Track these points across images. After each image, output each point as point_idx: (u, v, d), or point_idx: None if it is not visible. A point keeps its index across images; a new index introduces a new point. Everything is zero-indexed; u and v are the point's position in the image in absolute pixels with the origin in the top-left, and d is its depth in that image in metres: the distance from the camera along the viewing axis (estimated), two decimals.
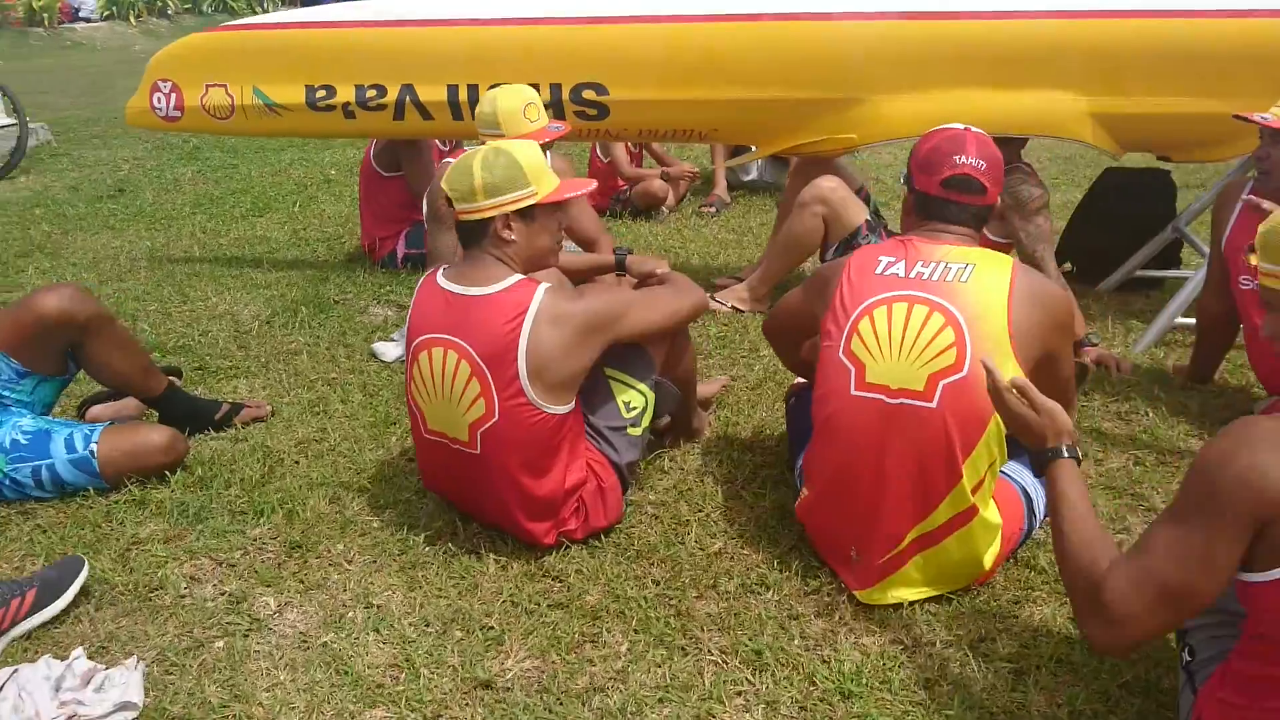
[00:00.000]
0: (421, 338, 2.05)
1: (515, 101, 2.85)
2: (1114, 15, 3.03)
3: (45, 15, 17.52)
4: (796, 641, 1.89)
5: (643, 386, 2.25)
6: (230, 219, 4.99)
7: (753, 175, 5.35)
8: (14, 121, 5.89)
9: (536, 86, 3.43)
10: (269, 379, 3.11)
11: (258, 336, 3.44)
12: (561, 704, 1.74)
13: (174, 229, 4.81)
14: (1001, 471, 2.13)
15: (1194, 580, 1.28)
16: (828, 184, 3.39)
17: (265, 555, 2.21)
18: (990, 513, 1.95)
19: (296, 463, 2.59)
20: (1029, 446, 1.63)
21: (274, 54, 3.68)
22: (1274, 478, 1.22)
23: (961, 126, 2.05)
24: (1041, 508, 2.15)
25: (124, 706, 1.70)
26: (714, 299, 3.61)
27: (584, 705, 1.74)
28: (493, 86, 3.45)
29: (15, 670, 1.72)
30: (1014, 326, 1.87)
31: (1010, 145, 3.33)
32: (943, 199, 2.00)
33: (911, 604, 1.98)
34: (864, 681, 1.78)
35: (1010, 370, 1.86)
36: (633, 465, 2.25)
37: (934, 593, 2.00)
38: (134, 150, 6.59)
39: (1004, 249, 3.40)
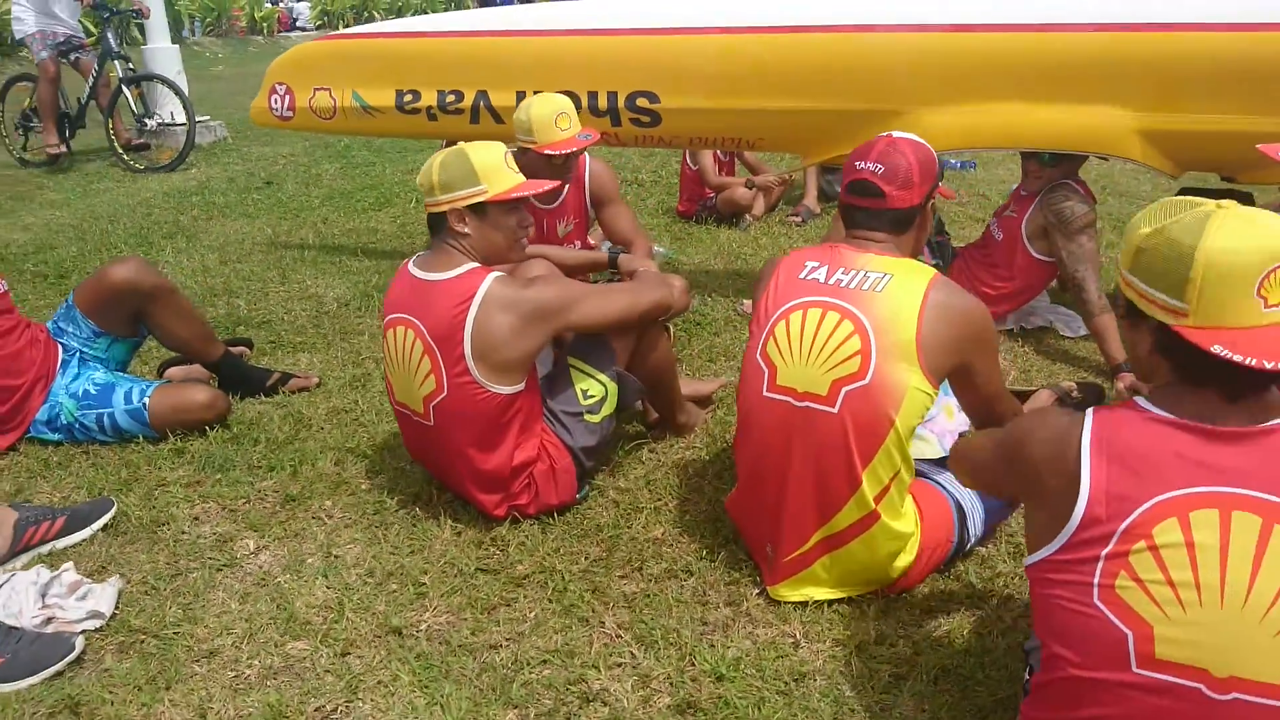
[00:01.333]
0: (390, 316, 2.27)
1: (548, 110, 3.03)
2: (1164, 28, 2.90)
3: (265, 25, 19.25)
4: (693, 626, 1.98)
5: (602, 377, 2.38)
6: (352, 212, 5.43)
7: None
8: (185, 121, 6.60)
9: (595, 94, 3.64)
10: (329, 355, 3.42)
11: (332, 316, 3.78)
12: (454, 654, 1.90)
13: (300, 218, 5.29)
14: (936, 482, 2.14)
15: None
16: None
17: (263, 505, 2.48)
18: (899, 521, 1.97)
19: (322, 429, 2.86)
20: None
21: (370, 61, 4.02)
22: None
23: (895, 134, 2.06)
24: (978, 522, 2.14)
25: (94, 615, 1.99)
26: (748, 306, 3.68)
27: (473, 658, 1.90)
28: (563, 93, 3.70)
29: (12, 575, 2.05)
30: (922, 338, 1.88)
31: (1065, 162, 3.25)
32: (848, 205, 2.03)
33: (819, 603, 2.03)
34: (741, 668, 1.85)
35: (916, 381, 1.88)
36: (590, 450, 2.38)
37: (843, 594, 2.04)
38: (292, 148, 7.23)
39: (1048, 268, 3.32)
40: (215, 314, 3.81)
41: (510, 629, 1.98)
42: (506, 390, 2.20)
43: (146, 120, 6.73)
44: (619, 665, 1.88)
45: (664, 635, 1.94)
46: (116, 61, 6.57)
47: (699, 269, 4.33)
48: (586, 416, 2.37)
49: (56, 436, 2.79)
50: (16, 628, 1.91)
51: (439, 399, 2.20)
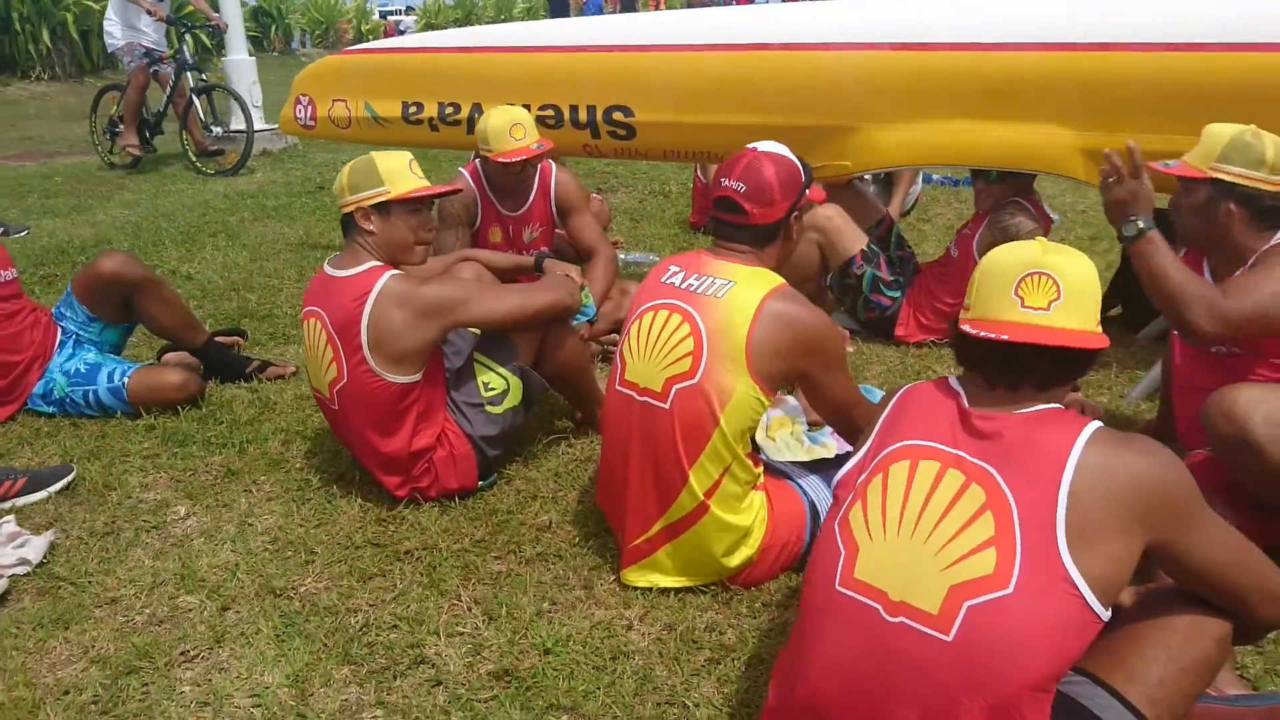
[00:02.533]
0: (305, 309, 2.49)
1: (503, 121, 3.23)
2: (1103, 48, 2.92)
3: (371, 36, 20.13)
4: (539, 605, 2.12)
5: (504, 371, 2.55)
6: None
7: None
8: (244, 129, 7.05)
9: (576, 108, 3.83)
10: None
11: None
12: (316, 615, 2.10)
13: (334, 221, 5.63)
14: (796, 483, 2.24)
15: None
16: (824, 213, 3.47)
17: (206, 477, 2.73)
18: (734, 515, 2.07)
19: (282, 413, 3.11)
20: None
21: (379, 74, 4.30)
22: None
23: (757, 146, 2.15)
24: None
25: (23, 561, 2.26)
26: None
27: (332, 619, 2.08)
28: (546, 106, 3.90)
29: None
30: (752, 344, 1.98)
31: (1012, 179, 3.28)
32: (716, 219, 2.14)
33: (665, 590, 2.15)
34: (569, 644, 1.99)
35: (744, 385, 1.99)
36: (491, 439, 2.54)
37: (688, 583, 2.15)
38: (353, 155, 7.63)
39: None
40: (228, 306, 4.13)
41: (375, 597, 2.16)
42: (402, 380, 2.39)
43: (213, 128, 7.22)
44: (458, 634, 2.04)
45: (509, 611, 2.10)
46: (189, 73, 7.08)
47: None
48: (488, 408, 2.54)
49: (50, 409, 3.11)
50: None
51: (340, 385, 2.40)
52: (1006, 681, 1.28)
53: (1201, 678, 1.43)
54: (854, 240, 3.48)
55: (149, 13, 6.98)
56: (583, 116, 3.80)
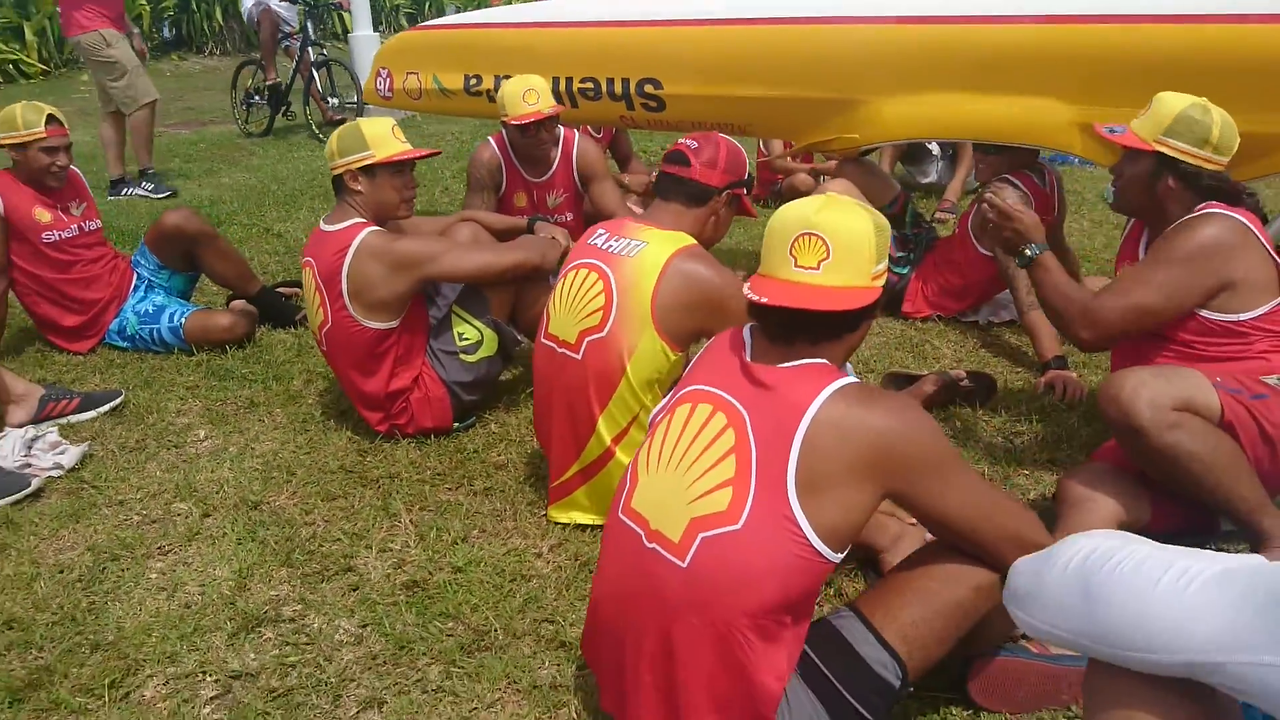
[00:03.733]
0: (303, 259, 2.78)
1: (517, 87, 3.45)
2: (1098, 20, 2.87)
3: None
4: (470, 531, 2.35)
5: (478, 324, 2.78)
6: (432, 186, 6.06)
7: (931, 178, 5.31)
8: (356, 102, 7.53)
9: (612, 80, 4.00)
10: None
11: None
12: (275, 525, 2.39)
13: (424, 189, 6.00)
14: None
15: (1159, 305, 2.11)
16: (833, 187, 3.52)
17: (231, 407, 3.08)
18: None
19: (313, 356, 3.44)
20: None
21: (446, 49, 4.58)
22: None
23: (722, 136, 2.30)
24: None
25: (57, 466, 2.66)
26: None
27: (288, 529, 2.37)
28: (586, 79, 4.09)
29: (9, 431, 2.76)
30: (656, 301, 2.12)
31: (1008, 154, 3.26)
32: (662, 172, 2.28)
33: (582, 526, 2.33)
34: (479, 565, 2.21)
35: (648, 338, 2.14)
36: (465, 385, 2.78)
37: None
38: (461, 126, 8.00)
39: (989, 263, 3.32)
40: (296, 262, 4.52)
41: (331, 514, 2.45)
42: (379, 326, 2.65)
43: (330, 100, 7.74)
44: (389, 550, 2.29)
45: (439, 534, 2.33)
46: (310, 48, 7.62)
47: (737, 250, 4.56)
48: (462, 356, 2.78)
49: (124, 344, 3.56)
50: None
51: (327, 328, 2.69)
52: (727, 607, 1.41)
53: (954, 621, 1.51)
54: None
55: None
56: (618, 89, 3.96)
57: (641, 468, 1.57)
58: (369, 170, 2.65)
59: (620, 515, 1.57)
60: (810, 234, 1.49)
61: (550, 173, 3.72)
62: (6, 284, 3.42)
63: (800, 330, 1.51)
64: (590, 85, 4.05)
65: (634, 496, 1.56)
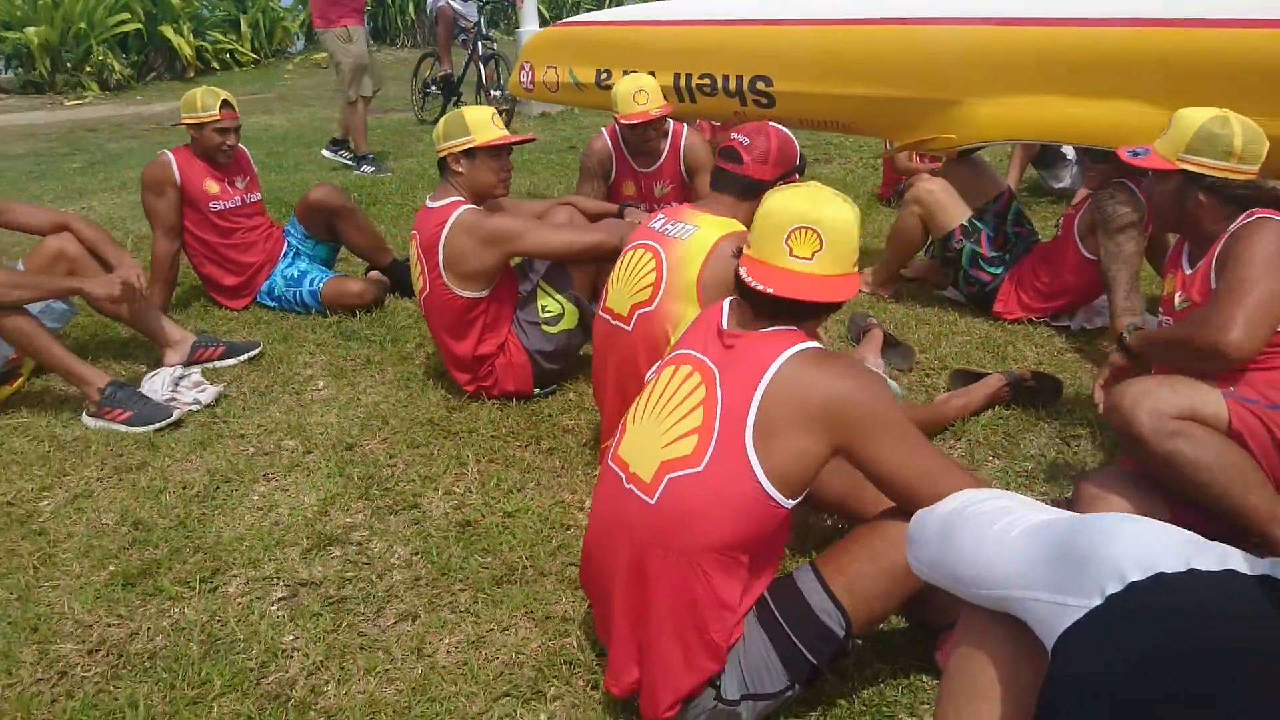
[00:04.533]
0: (411, 233, 3.09)
1: (628, 87, 3.66)
2: (1190, 25, 2.81)
3: None
4: (525, 481, 2.59)
5: (561, 298, 3.02)
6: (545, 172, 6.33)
7: (1064, 183, 5.17)
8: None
9: (728, 77, 4.16)
10: None
11: None
12: (360, 464, 2.71)
13: (566, 173, 6.32)
14: None
15: None
16: (926, 185, 3.57)
17: (350, 363, 3.45)
18: None
19: None
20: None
21: (580, 45, 4.85)
22: None
23: (771, 124, 2.45)
24: None
25: (196, 402, 3.08)
26: None
27: (373, 469, 2.68)
28: (704, 76, 4.27)
29: (160, 370, 3.20)
30: (702, 280, 2.29)
31: (1114, 161, 3.21)
32: (717, 165, 2.45)
33: None
34: (527, 513, 2.44)
35: (692, 314, 2.31)
36: (546, 354, 3.02)
37: None
38: (591, 120, 8.29)
39: (1095, 268, 3.29)
40: None
41: (410, 457, 2.74)
42: (469, 295, 2.93)
43: (493, 92, 8.20)
44: (452, 493, 2.56)
45: (498, 482, 2.58)
46: (481, 42, 8.11)
47: None
48: (544, 327, 3.02)
49: (273, 304, 4.01)
50: (146, 397, 3.03)
51: (425, 295, 2.99)
52: (687, 541, 1.57)
53: (897, 579, 1.61)
54: (954, 214, 3.55)
55: None
56: (732, 85, 4.12)
57: (630, 420, 1.75)
58: (469, 153, 2.92)
59: (610, 462, 1.76)
60: (807, 228, 1.64)
61: (658, 164, 3.92)
62: (179, 246, 3.92)
63: (786, 312, 1.65)
64: (707, 81, 4.22)
65: (621, 445, 1.74)
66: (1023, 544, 1.05)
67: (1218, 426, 1.99)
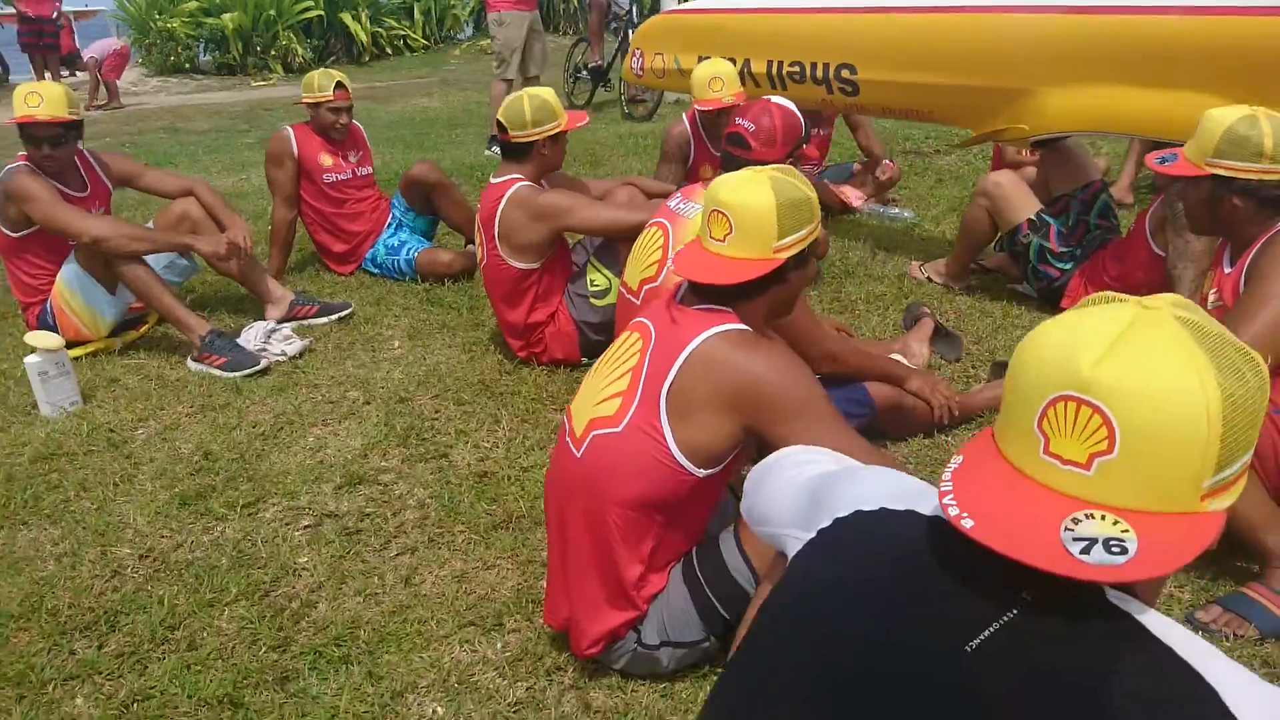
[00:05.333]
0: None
1: (705, 73, 3.77)
2: (1266, 12, 2.68)
3: None
4: (550, 443, 2.76)
5: (609, 273, 3.17)
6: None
7: None
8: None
9: (815, 65, 4.19)
10: None
11: None
12: (404, 416, 2.95)
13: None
14: None
15: None
16: (994, 178, 3.51)
17: (428, 325, 3.71)
18: None
19: None
20: None
21: (685, 31, 4.97)
22: None
23: (771, 99, 2.51)
24: None
25: (282, 353, 3.41)
26: (921, 268, 3.96)
27: (417, 420, 2.92)
28: (794, 64, 4.32)
29: (258, 322, 3.55)
30: None
31: None
32: (725, 152, 2.54)
33: None
34: (539, 467, 2.61)
35: None
36: (592, 325, 3.18)
37: None
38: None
39: (1161, 263, 3.18)
40: None
41: (453, 414, 2.96)
42: (522, 266, 3.12)
43: None
44: (480, 447, 2.76)
45: (524, 440, 2.77)
46: (631, 31, 8.32)
47: (933, 235, 4.57)
48: (592, 300, 3.18)
49: (375, 270, 4.34)
50: (241, 345, 3.38)
51: (484, 264, 3.21)
52: (603, 495, 1.70)
53: None
54: (1021, 208, 3.47)
55: None
56: (819, 73, 4.15)
57: (584, 383, 1.89)
58: (556, 137, 3.11)
59: (565, 419, 1.90)
60: (718, 211, 1.72)
61: None
62: (295, 214, 4.30)
63: (711, 292, 1.73)
64: (796, 69, 4.27)
65: (574, 402, 1.88)
66: (797, 489, 1.14)
67: None
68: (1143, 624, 0.79)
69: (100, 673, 1.93)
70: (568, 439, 1.81)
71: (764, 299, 1.75)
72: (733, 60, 4.62)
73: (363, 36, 13.86)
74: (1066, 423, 0.82)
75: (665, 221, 2.52)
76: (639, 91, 8.53)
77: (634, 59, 5.41)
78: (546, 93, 3.14)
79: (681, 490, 1.69)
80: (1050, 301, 3.52)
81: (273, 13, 13.08)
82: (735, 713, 0.98)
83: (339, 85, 4.15)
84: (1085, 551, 0.78)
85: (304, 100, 4.20)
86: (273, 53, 13.23)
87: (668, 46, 5.10)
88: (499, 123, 3.13)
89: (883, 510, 0.96)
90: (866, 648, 0.87)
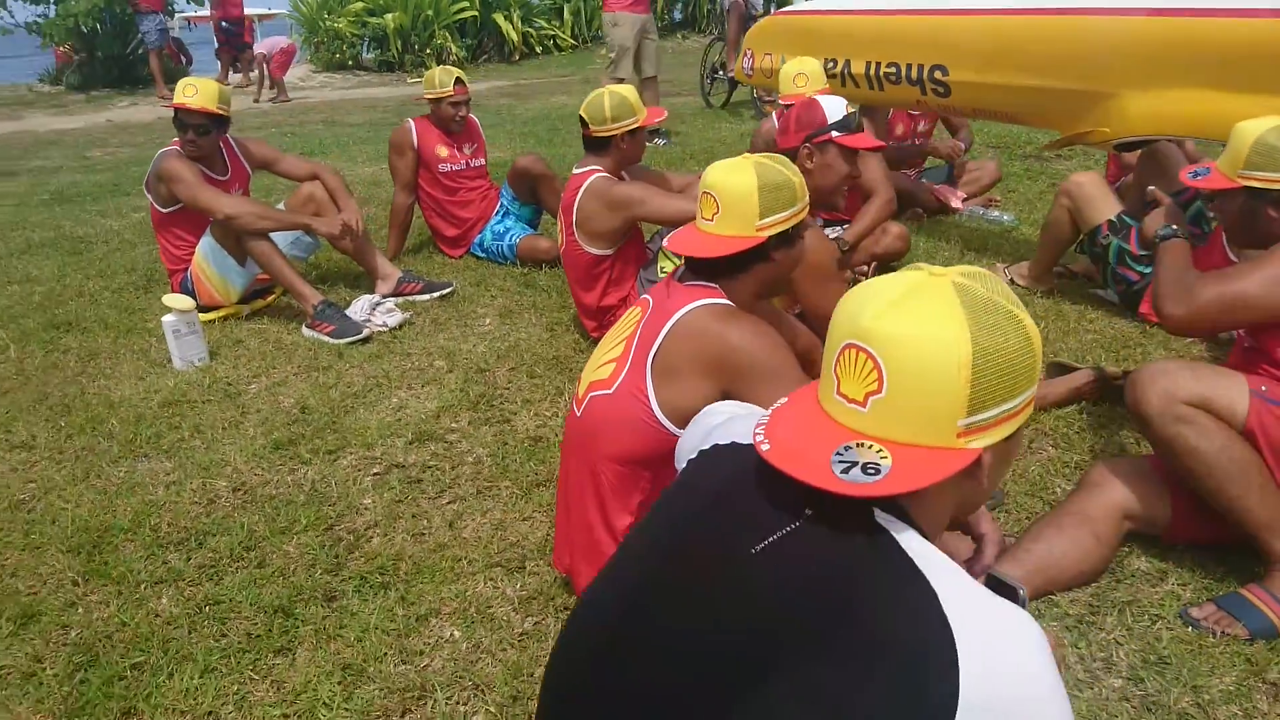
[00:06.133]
0: None
1: (790, 70, 3.89)
2: None
3: None
4: None
5: (678, 260, 3.34)
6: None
7: None
8: None
9: (910, 65, 4.25)
10: None
11: None
12: (482, 385, 3.21)
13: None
14: None
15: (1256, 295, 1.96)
16: (1076, 179, 3.50)
17: (518, 305, 3.98)
18: None
19: None
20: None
21: (791, 32, 5.08)
22: None
23: (820, 95, 2.65)
24: None
25: (384, 325, 3.74)
26: (1005, 270, 3.97)
27: (490, 390, 3.18)
28: (891, 64, 4.40)
29: (366, 296, 3.90)
30: None
31: None
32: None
33: None
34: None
35: None
36: None
37: None
38: None
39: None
40: None
41: (523, 385, 3.21)
42: (596, 251, 3.34)
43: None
44: (541, 415, 2.99)
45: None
46: None
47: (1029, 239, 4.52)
48: None
49: (482, 254, 4.65)
50: (348, 316, 3.73)
51: (563, 249, 3.44)
52: (597, 451, 1.89)
53: None
54: (1102, 209, 3.44)
55: None
56: (913, 74, 4.19)
57: (596, 348, 2.08)
58: (633, 132, 3.33)
59: (575, 386, 2.10)
60: (707, 192, 1.89)
61: None
62: (413, 199, 4.66)
63: (701, 268, 1.90)
64: (892, 70, 4.32)
65: (583, 372, 2.07)
66: (702, 431, 1.30)
67: (1232, 422, 1.96)
68: (897, 540, 0.93)
69: (184, 579, 2.25)
70: (573, 403, 2.01)
71: (751, 277, 1.90)
72: (834, 60, 4.72)
73: (514, 36, 14.44)
74: (850, 366, 0.98)
75: None
76: (767, 92, 8.65)
77: (745, 59, 5.56)
78: (627, 90, 3.34)
79: (664, 448, 1.85)
80: (1130, 305, 3.48)
81: (431, 13, 13.80)
82: (589, 598, 1.18)
83: (458, 81, 4.48)
84: (845, 472, 0.92)
85: (425, 96, 4.54)
86: (428, 50, 13.95)
87: (775, 47, 5.22)
88: (581, 118, 3.35)
89: (733, 444, 1.12)
90: (681, 544, 1.04)
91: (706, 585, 0.98)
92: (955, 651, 0.84)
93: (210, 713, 1.85)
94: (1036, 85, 3.57)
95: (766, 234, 1.86)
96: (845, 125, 2.66)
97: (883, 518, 0.95)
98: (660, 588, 1.02)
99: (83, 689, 1.91)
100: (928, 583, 0.89)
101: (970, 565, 1.44)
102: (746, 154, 1.94)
